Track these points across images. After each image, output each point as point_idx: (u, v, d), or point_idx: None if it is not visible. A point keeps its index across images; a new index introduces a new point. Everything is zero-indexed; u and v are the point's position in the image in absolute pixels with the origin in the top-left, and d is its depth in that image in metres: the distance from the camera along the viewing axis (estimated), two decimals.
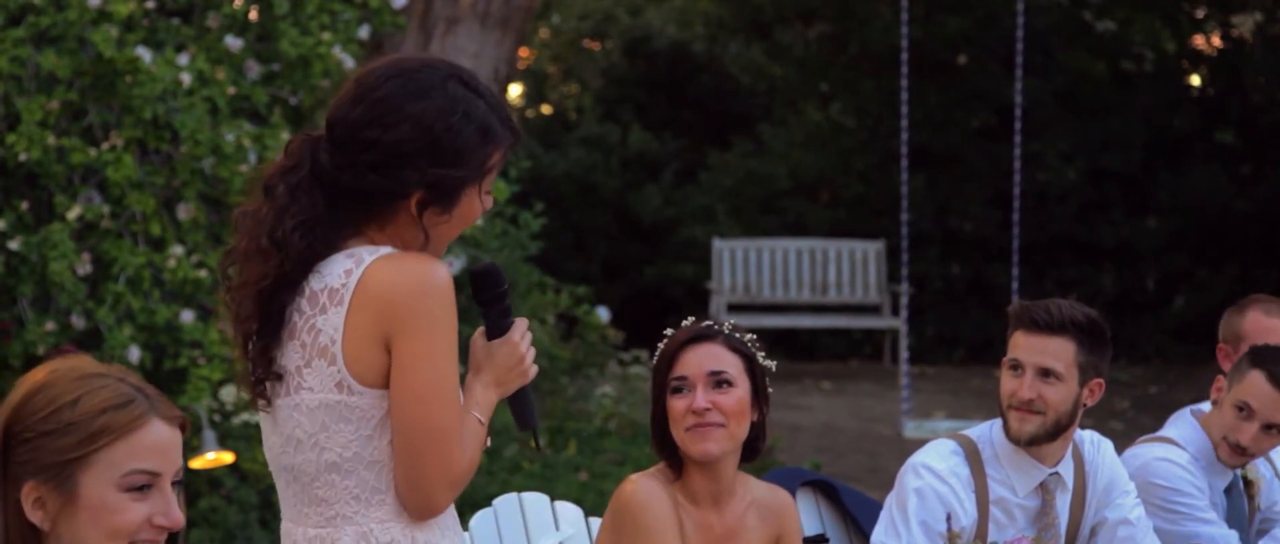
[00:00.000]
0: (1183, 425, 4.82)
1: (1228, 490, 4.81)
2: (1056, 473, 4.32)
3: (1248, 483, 4.88)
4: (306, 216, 3.05)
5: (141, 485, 2.54)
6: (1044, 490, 4.32)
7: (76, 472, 2.51)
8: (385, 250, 3.05)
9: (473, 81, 3.10)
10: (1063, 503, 4.35)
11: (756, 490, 3.89)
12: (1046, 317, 4.24)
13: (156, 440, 2.55)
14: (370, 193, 3.03)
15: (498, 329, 3.22)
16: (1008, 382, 4.28)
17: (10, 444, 2.53)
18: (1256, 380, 4.67)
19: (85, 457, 2.51)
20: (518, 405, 3.27)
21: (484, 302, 3.22)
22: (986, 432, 4.37)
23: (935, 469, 4.26)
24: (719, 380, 3.75)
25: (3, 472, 2.54)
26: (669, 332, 3.85)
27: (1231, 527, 4.77)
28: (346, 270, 3.02)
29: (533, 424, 3.29)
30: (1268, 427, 4.68)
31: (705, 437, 3.74)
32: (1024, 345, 4.26)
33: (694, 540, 3.76)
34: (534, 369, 3.22)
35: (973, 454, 4.31)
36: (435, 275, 3.01)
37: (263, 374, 3.09)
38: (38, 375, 2.58)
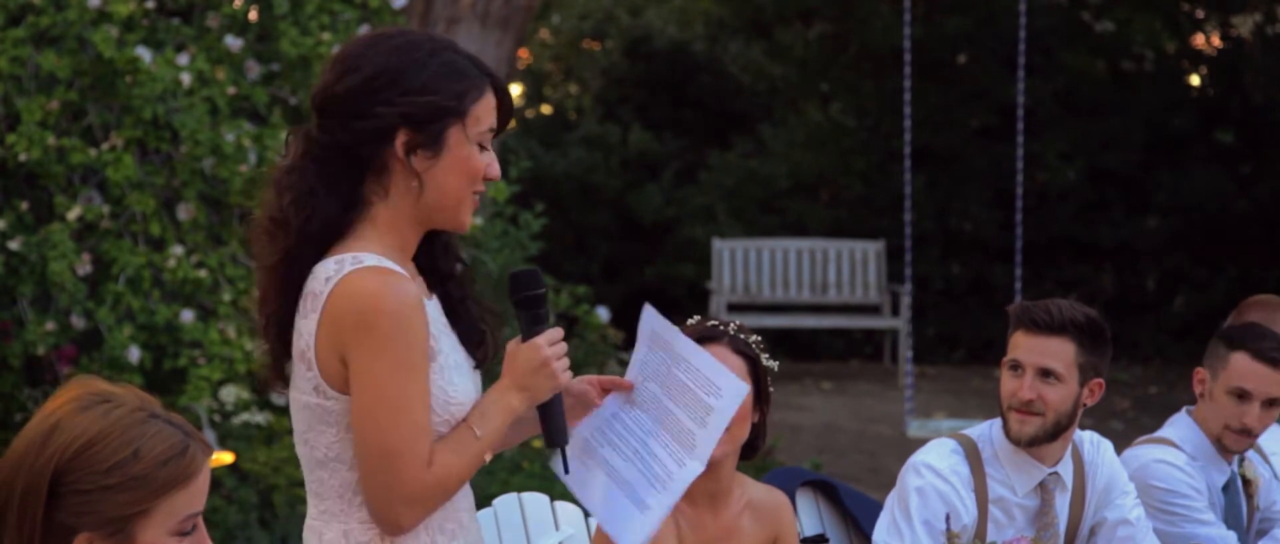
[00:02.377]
0: (1180, 425, 4.82)
1: (1225, 488, 4.81)
2: (1056, 473, 4.32)
3: (1246, 482, 4.88)
4: (299, 191, 3.08)
5: (190, 527, 2.57)
6: (1043, 490, 4.32)
7: (136, 522, 2.52)
8: (369, 261, 3.05)
9: (447, 41, 3.16)
10: (1062, 503, 4.35)
11: (753, 491, 3.89)
12: (1046, 317, 4.24)
13: (205, 482, 2.58)
14: (358, 142, 3.07)
15: (527, 333, 3.21)
16: (1008, 382, 4.28)
17: (61, 494, 2.51)
18: (1243, 362, 4.68)
19: (148, 510, 2.52)
20: (546, 419, 3.24)
21: (516, 302, 3.22)
22: (986, 431, 4.37)
23: (936, 468, 4.26)
24: None
25: (46, 521, 2.52)
26: None
27: (1230, 526, 4.77)
28: (328, 276, 3.05)
29: (562, 441, 3.25)
30: (1269, 402, 4.69)
31: None
32: (1024, 346, 4.26)
33: (689, 540, 3.76)
34: (567, 375, 3.19)
35: (972, 453, 4.32)
36: (388, 290, 3.01)
37: (279, 354, 3.15)
38: (83, 423, 2.54)
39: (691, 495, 3.78)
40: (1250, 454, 4.91)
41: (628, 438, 3.31)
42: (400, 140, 3.07)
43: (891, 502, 4.30)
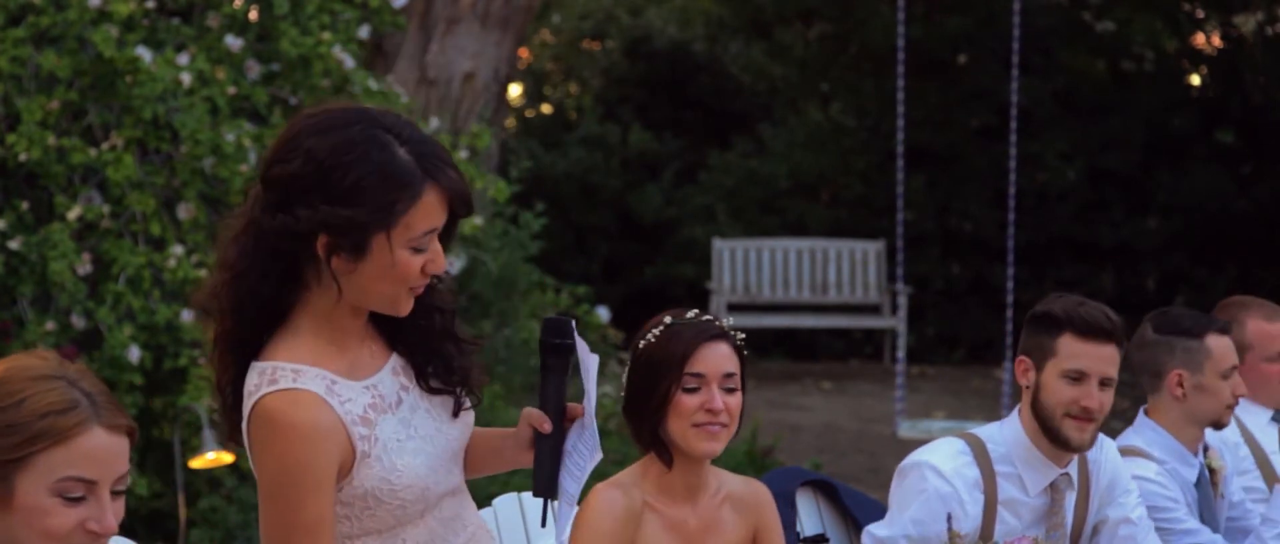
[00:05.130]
0: (1144, 430, 4.80)
1: (1198, 483, 4.80)
2: (1066, 473, 4.32)
3: (1212, 472, 4.87)
4: (235, 271, 3.03)
5: (76, 493, 2.56)
6: (1054, 490, 4.31)
7: (13, 473, 2.55)
8: (284, 382, 3.01)
9: (398, 127, 3.00)
10: (1069, 502, 4.34)
11: (730, 484, 3.87)
12: (1106, 323, 4.21)
13: (94, 448, 2.57)
14: (281, 235, 2.97)
15: (543, 381, 3.19)
16: (1066, 390, 4.23)
17: None
18: (1220, 343, 4.71)
19: (22, 460, 2.54)
20: (537, 466, 3.21)
21: (541, 345, 3.22)
22: (996, 431, 4.35)
23: (940, 469, 4.24)
24: (730, 383, 3.74)
25: None
26: (668, 319, 3.80)
27: (1205, 520, 4.76)
28: (251, 389, 3.04)
29: (549, 494, 3.21)
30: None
31: (713, 436, 3.72)
32: (1085, 354, 4.21)
33: (665, 538, 3.74)
34: None
35: (981, 454, 4.29)
36: (271, 412, 2.99)
37: (235, 418, 3.13)
38: None
39: (672, 492, 3.76)
40: (1212, 443, 4.91)
41: (577, 459, 3.25)
42: (321, 242, 2.97)
43: (891, 499, 4.30)
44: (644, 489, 3.76)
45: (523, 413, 3.24)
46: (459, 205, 3.01)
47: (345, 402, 3.04)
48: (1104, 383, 4.22)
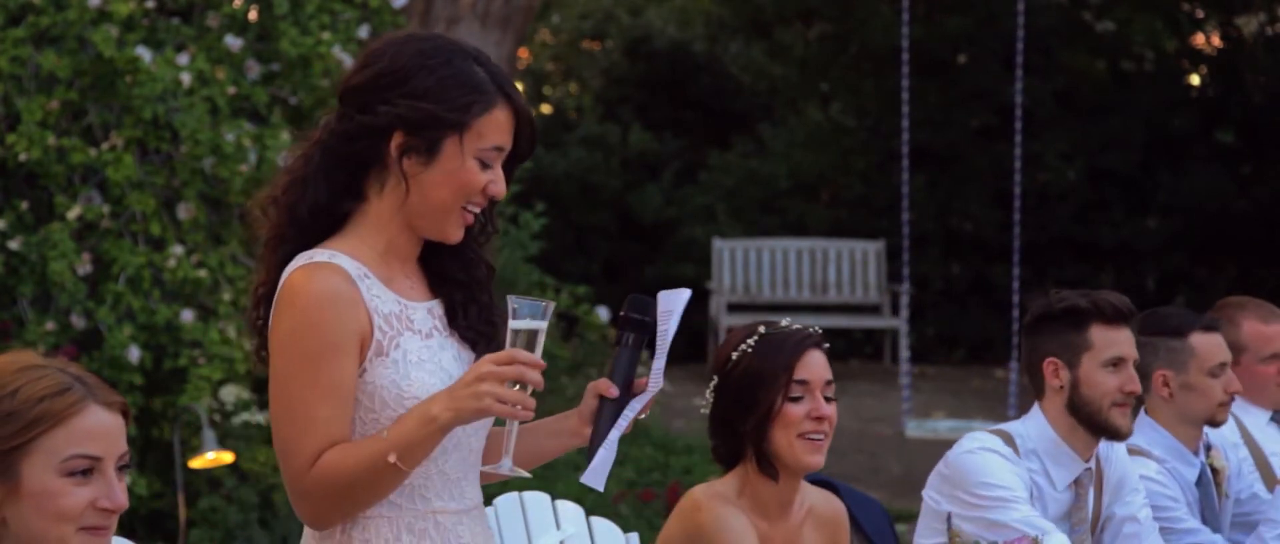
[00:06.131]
0: (1145, 429, 4.80)
1: (1198, 482, 4.80)
2: (1089, 468, 4.32)
3: (1214, 471, 4.87)
4: (297, 174, 3.12)
5: (83, 470, 2.62)
6: (1078, 485, 4.31)
7: (18, 460, 2.60)
8: (321, 257, 3.06)
9: (475, 52, 3.13)
10: (1091, 497, 4.34)
11: (812, 497, 3.80)
12: (1125, 305, 4.29)
13: (94, 426, 2.63)
14: (358, 135, 3.07)
15: (617, 353, 3.20)
16: (1110, 379, 4.25)
17: None
18: (1204, 341, 4.72)
19: (24, 445, 2.59)
20: (594, 425, 3.20)
21: (620, 320, 3.23)
22: (1021, 427, 4.34)
23: (997, 450, 4.22)
24: (829, 391, 3.70)
25: None
26: (762, 329, 3.70)
27: (1206, 519, 4.76)
28: (288, 270, 3.08)
29: (590, 453, 3.19)
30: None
31: (819, 448, 3.66)
32: (1119, 339, 4.26)
33: None
34: (500, 405, 2.96)
35: (1011, 447, 4.28)
36: (304, 286, 3.02)
37: (264, 338, 3.15)
38: None
39: (763, 507, 3.69)
40: (1215, 442, 4.91)
41: (630, 411, 3.25)
42: (395, 141, 3.07)
43: (943, 501, 4.25)
44: (740, 505, 3.68)
45: (589, 385, 3.25)
46: (525, 133, 3.12)
47: (373, 295, 3.08)
48: (1134, 365, 4.26)
